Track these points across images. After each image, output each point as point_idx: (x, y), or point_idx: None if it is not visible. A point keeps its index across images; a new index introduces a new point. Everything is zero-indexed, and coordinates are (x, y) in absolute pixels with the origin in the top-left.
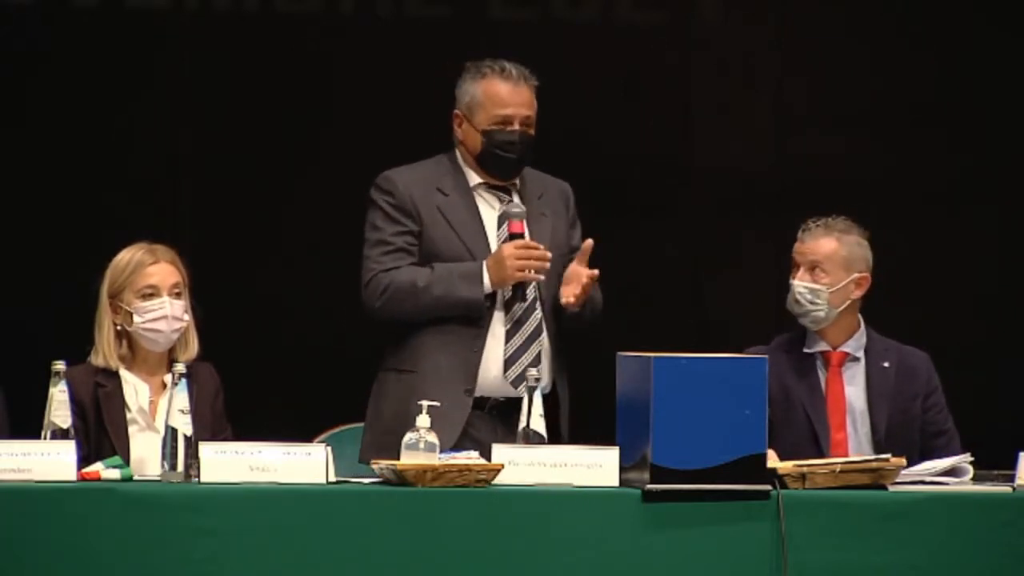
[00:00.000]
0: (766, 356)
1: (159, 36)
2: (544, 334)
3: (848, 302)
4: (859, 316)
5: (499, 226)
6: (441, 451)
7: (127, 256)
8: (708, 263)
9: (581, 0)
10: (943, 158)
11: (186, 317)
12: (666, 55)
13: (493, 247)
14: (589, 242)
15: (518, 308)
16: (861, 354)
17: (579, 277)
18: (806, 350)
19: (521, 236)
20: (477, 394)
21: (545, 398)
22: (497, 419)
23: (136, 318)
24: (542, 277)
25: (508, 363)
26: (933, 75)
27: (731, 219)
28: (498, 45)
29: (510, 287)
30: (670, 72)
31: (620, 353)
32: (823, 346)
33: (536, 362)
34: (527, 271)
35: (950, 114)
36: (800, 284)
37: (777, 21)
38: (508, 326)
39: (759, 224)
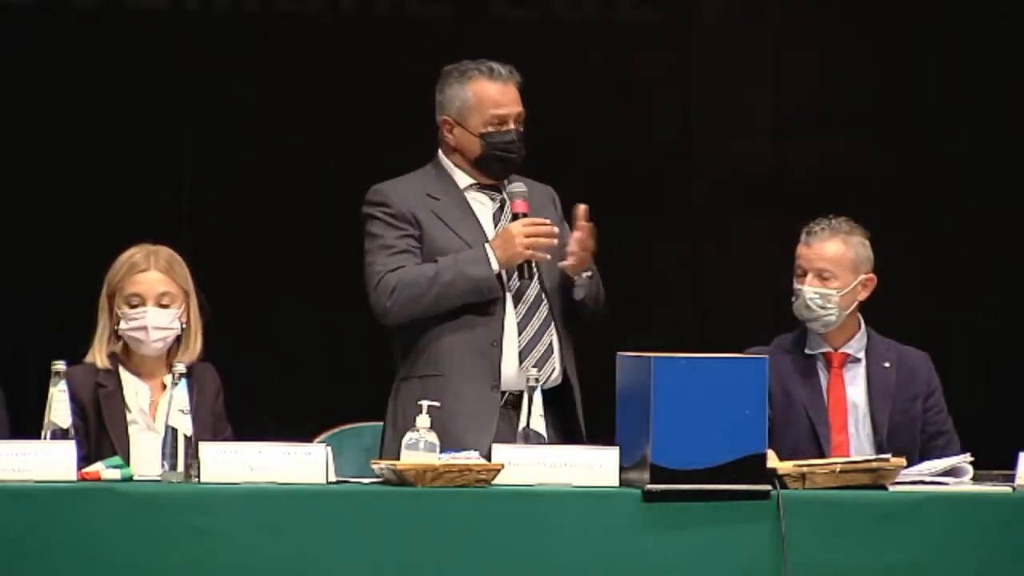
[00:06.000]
0: (766, 356)
1: (159, 36)
2: (553, 326)
3: (855, 303)
4: (859, 317)
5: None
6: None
7: (124, 258)
8: (708, 262)
9: (581, 0)
10: (942, 158)
11: (175, 326)
12: (666, 55)
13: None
14: (582, 207)
15: (525, 302)
16: (862, 355)
17: (578, 242)
18: (807, 351)
19: (525, 215)
20: (501, 389)
21: (558, 389)
22: (515, 412)
23: (123, 323)
24: (548, 256)
25: (522, 356)
26: (933, 74)
27: (731, 219)
28: (498, 45)
29: (515, 268)
30: (670, 72)
31: (620, 353)
32: (824, 347)
33: (549, 353)
34: (534, 249)
35: (949, 114)
36: (811, 290)
37: (777, 20)
38: (519, 319)
39: (759, 224)
